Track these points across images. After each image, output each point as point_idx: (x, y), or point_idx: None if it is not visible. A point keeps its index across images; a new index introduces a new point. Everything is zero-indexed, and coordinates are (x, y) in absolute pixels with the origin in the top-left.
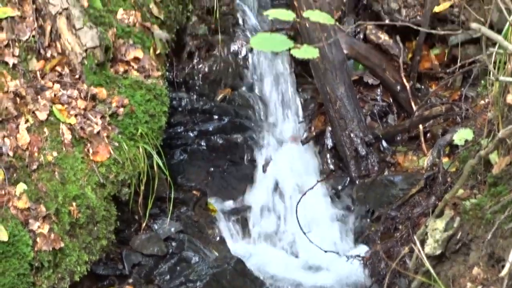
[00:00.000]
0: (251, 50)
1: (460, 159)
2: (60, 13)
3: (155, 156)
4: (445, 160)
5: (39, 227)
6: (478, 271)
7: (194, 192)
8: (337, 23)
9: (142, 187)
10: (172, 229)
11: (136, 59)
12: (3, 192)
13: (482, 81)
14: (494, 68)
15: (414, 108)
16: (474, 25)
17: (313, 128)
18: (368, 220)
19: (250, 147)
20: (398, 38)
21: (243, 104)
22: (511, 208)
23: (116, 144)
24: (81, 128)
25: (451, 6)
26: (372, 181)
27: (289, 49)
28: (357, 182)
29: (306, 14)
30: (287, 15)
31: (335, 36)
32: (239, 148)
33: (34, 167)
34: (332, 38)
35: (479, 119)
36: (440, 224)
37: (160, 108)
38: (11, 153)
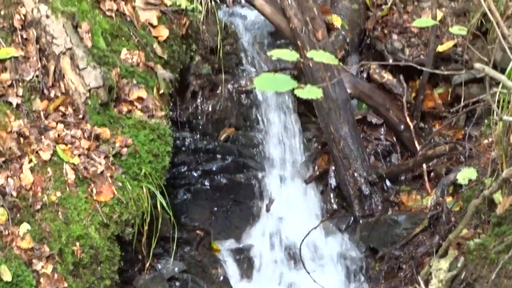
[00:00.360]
0: (254, 89)
1: (463, 199)
2: (64, 53)
3: (159, 196)
4: (448, 199)
5: (42, 267)
6: None
7: (198, 231)
8: (341, 63)
9: (146, 227)
10: (176, 269)
11: (140, 99)
12: (6, 232)
13: (486, 120)
14: (498, 108)
15: (418, 147)
16: (477, 65)
17: (316, 167)
18: (372, 259)
19: (253, 186)
20: (401, 77)
21: (246, 143)
22: None
23: (120, 184)
24: (85, 168)
25: (455, 46)
26: (376, 221)
27: (293, 89)
28: (360, 221)
29: (310, 54)
30: (291, 55)
31: (339, 75)
32: (243, 187)
33: (38, 207)
34: (336, 78)
35: (483, 158)
36: (444, 264)
37: (163, 148)
38: (14, 193)
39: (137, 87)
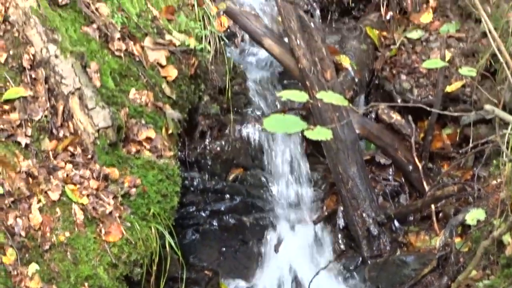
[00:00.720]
0: (263, 129)
1: (472, 239)
2: (73, 93)
3: (167, 236)
4: (457, 240)
5: None
6: None
7: (206, 272)
8: (350, 104)
9: (154, 267)
10: None
11: (149, 139)
12: (15, 273)
13: (495, 161)
14: (507, 149)
15: (426, 188)
16: (488, 106)
17: (325, 208)
18: None
19: (262, 227)
20: (410, 117)
21: (255, 183)
22: None
23: (129, 224)
24: (93, 208)
25: (463, 86)
26: (384, 261)
27: (303, 131)
28: (369, 262)
29: (319, 95)
30: (300, 96)
31: (348, 116)
32: (251, 228)
33: (47, 247)
34: (345, 118)
35: (492, 199)
36: None
37: (172, 188)
38: (23, 233)
39: (146, 127)
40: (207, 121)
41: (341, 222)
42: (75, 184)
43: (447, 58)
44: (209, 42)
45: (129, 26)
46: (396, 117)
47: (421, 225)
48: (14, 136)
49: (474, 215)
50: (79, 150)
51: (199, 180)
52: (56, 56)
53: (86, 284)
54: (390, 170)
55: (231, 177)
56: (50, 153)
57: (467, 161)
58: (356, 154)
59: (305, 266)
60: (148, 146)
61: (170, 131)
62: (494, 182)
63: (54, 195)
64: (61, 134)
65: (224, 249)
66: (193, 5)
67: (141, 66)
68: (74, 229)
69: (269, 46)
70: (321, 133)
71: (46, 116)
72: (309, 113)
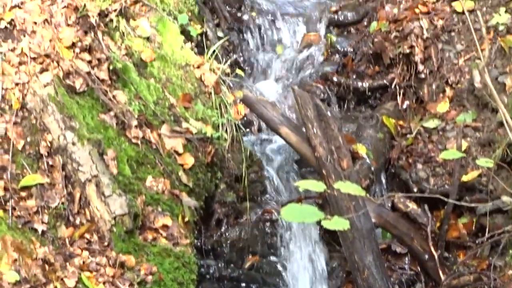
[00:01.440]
0: (279, 218)
1: None
2: (90, 180)
3: None
4: None
5: None
6: None
7: None
8: (366, 193)
9: None
10: None
11: (165, 227)
12: None
13: (511, 251)
14: None
15: (442, 277)
16: (505, 198)
17: None
18: None
19: None
20: (426, 206)
21: (271, 272)
22: None
23: None
24: None
25: (479, 176)
26: None
27: (320, 220)
28: None
29: (336, 185)
30: (317, 186)
31: (364, 205)
32: None
33: None
34: (361, 207)
35: None
36: None
37: (188, 276)
38: None
39: (162, 215)
40: (224, 209)
41: None
42: (91, 271)
43: (464, 148)
44: (226, 130)
45: (146, 114)
46: (412, 206)
47: None
48: (31, 223)
49: None
50: (95, 237)
51: (215, 268)
52: (73, 144)
53: None
54: (406, 259)
55: (247, 265)
56: (67, 240)
57: (483, 250)
58: (372, 243)
59: None
60: (164, 234)
61: (186, 219)
62: (510, 271)
63: (70, 282)
64: (77, 221)
65: None
66: (210, 93)
67: (158, 154)
68: None
69: (286, 134)
70: (338, 223)
71: (63, 203)
72: (326, 201)
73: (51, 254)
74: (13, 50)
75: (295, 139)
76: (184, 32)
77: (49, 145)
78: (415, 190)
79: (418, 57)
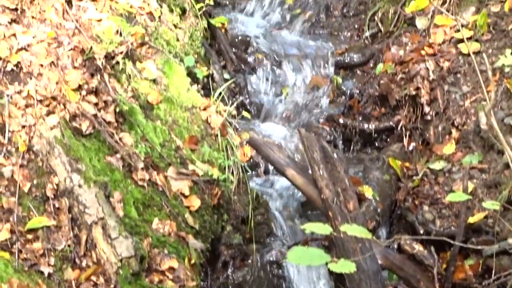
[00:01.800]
0: (286, 261)
1: None
2: (96, 223)
3: None
4: None
5: None
6: None
7: None
8: (372, 236)
9: None
10: None
11: (171, 269)
12: None
13: None
14: None
15: None
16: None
17: None
18: None
19: None
20: (432, 248)
21: None
22: None
23: None
24: None
25: (486, 217)
26: None
27: (326, 263)
28: None
29: (343, 228)
30: (323, 228)
31: (370, 247)
32: None
33: None
34: (367, 249)
35: None
36: None
37: None
38: None
39: (169, 257)
40: (230, 251)
41: None
42: None
43: (470, 189)
44: (232, 172)
45: (152, 156)
46: (418, 248)
47: None
48: (37, 266)
49: None
50: (102, 279)
51: None
52: (80, 186)
53: None
54: None
55: None
56: (73, 282)
57: None
58: (379, 284)
59: None
60: (171, 276)
61: (192, 261)
62: None
63: None
64: (84, 264)
65: None
66: (217, 135)
67: (164, 196)
68: None
69: (292, 176)
70: (345, 266)
71: (69, 246)
72: (332, 243)
73: None
74: (19, 92)
75: (301, 181)
76: (191, 74)
77: (55, 187)
78: (421, 232)
79: (424, 99)
